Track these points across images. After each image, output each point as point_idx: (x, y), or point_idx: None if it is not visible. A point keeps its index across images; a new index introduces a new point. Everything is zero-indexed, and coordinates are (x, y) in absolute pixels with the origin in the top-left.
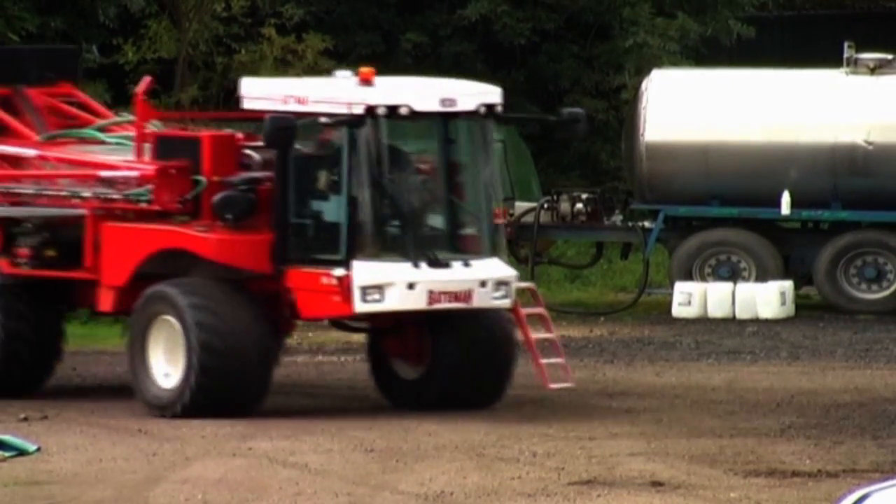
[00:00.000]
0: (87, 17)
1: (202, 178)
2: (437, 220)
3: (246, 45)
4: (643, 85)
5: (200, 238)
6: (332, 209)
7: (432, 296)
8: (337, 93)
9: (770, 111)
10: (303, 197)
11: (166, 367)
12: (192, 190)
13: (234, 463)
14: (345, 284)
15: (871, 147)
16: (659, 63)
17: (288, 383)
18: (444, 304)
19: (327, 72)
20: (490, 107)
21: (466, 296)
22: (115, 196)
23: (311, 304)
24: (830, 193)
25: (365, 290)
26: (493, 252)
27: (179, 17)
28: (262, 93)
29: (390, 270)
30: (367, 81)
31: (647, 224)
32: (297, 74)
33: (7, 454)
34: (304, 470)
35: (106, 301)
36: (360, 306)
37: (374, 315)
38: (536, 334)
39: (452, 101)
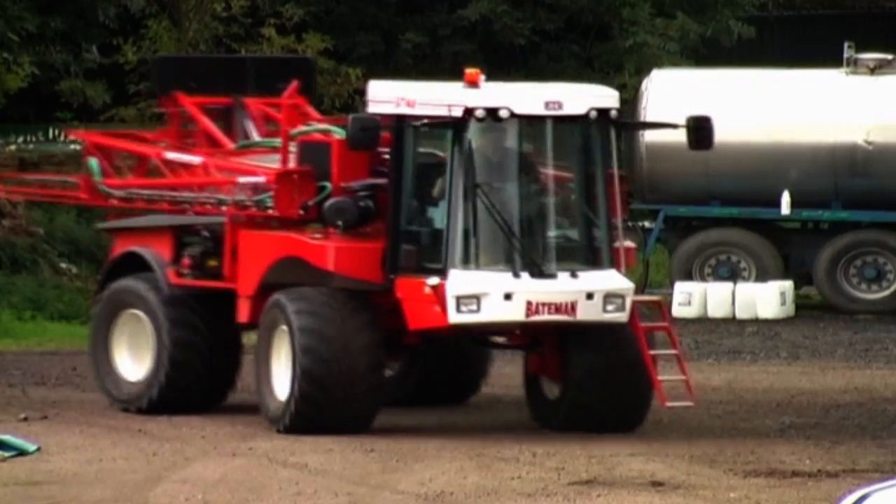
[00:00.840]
0: (87, 17)
1: (327, 184)
2: (544, 229)
3: (246, 45)
4: (643, 85)
5: (312, 245)
6: (438, 216)
7: (530, 307)
8: (441, 95)
9: (770, 111)
10: (415, 203)
11: (285, 378)
12: (317, 196)
13: (234, 463)
14: (440, 294)
15: (870, 147)
16: (659, 63)
17: None
18: (544, 317)
19: (327, 72)
20: (603, 111)
21: (569, 308)
22: (248, 203)
23: (416, 315)
24: (830, 193)
25: (460, 300)
26: (610, 263)
27: (179, 17)
28: (383, 96)
29: (487, 280)
30: (472, 83)
31: (647, 224)
32: None
33: (7, 454)
34: (304, 470)
35: (243, 312)
36: (455, 317)
37: (477, 327)
38: (658, 349)
39: (558, 104)
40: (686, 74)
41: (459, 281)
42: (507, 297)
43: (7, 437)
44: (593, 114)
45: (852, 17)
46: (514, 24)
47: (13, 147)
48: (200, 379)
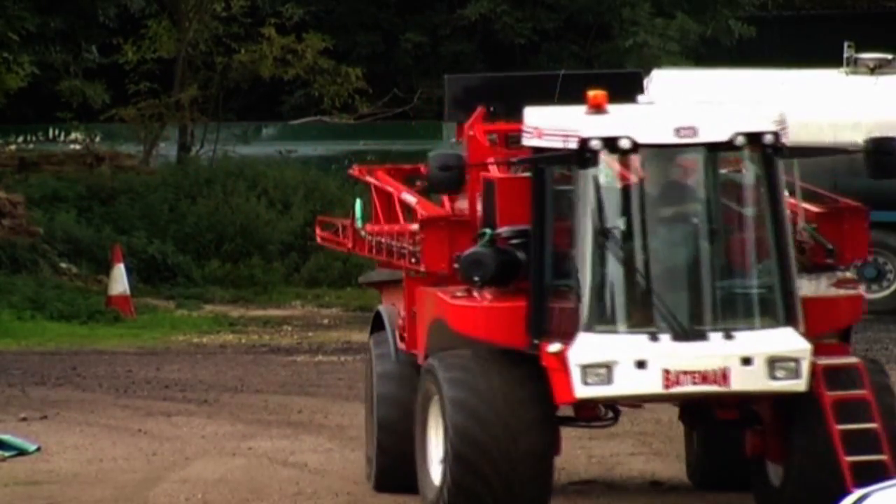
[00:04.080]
0: (87, 17)
1: (488, 231)
2: (691, 280)
3: (246, 44)
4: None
5: (451, 306)
6: (570, 269)
7: (669, 377)
8: (562, 123)
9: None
10: (554, 253)
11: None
12: (474, 246)
13: (234, 463)
14: (563, 362)
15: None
16: (659, 63)
17: (288, 383)
18: (688, 388)
19: (327, 72)
20: (753, 136)
21: (720, 377)
22: (415, 254)
23: (557, 387)
24: (830, 193)
25: (586, 370)
26: (786, 319)
27: (179, 16)
28: (527, 125)
29: (616, 344)
30: (597, 107)
31: None
32: (297, 74)
33: (7, 454)
34: (304, 470)
35: None
36: (581, 390)
37: (611, 401)
38: (850, 424)
39: (692, 131)
40: (686, 74)
41: (584, 346)
42: (640, 365)
43: (7, 437)
44: (740, 140)
45: (852, 17)
46: (514, 23)
47: (13, 147)
48: (410, 461)
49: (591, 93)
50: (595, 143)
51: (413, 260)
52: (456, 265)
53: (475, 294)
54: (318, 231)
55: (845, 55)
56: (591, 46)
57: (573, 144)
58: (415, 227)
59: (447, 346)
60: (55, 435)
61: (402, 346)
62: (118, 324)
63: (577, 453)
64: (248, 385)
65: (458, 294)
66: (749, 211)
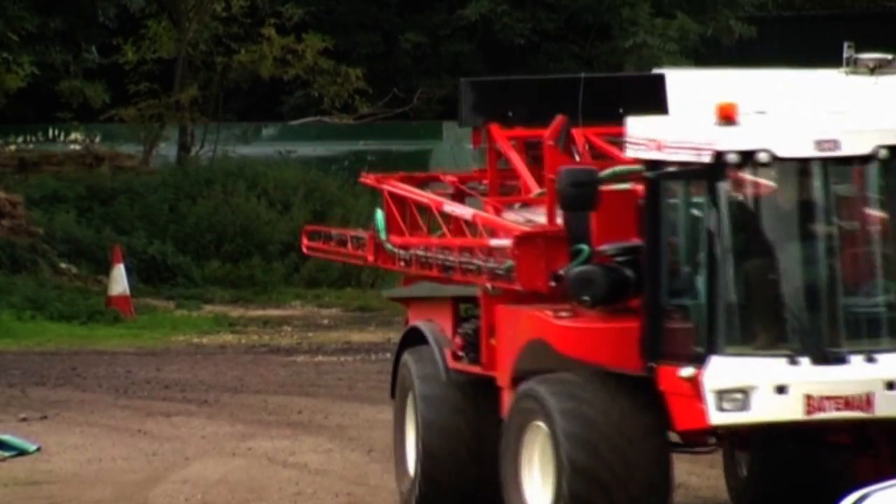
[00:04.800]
0: (86, 17)
1: (584, 248)
2: (830, 300)
3: (246, 45)
4: None
5: (555, 326)
6: (697, 287)
7: (811, 403)
8: (689, 135)
9: (770, 111)
10: (676, 271)
11: (542, 489)
12: (571, 263)
13: (234, 463)
14: (696, 387)
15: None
16: (659, 63)
17: (288, 383)
18: (831, 414)
19: (327, 72)
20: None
21: (863, 402)
22: (498, 271)
23: (679, 413)
24: None
25: (721, 396)
26: None
27: (179, 16)
28: (639, 135)
29: (755, 368)
30: (727, 119)
31: None
32: (297, 75)
33: (7, 454)
34: (304, 470)
35: (504, 405)
36: (716, 416)
37: (747, 429)
38: None
39: (833, 144)
40: (686, 74)
41: (719, 370)
42: (781, 390)
43: (7, 437)
44: (882, 153)
45: (852, 17)
46: (514, 24)
47: (13, 147)
48: (458, 487)
49: (721, 103)
50: (732, 157)
51: (494, 277)
52: (553, 282)
53: (580, 314)
54: (304, 241)
55: (845, 55)
56: (591, 46)
57: (707, 158)
58: (496, 241)
59: (545, 368)
60: (55, 435)
61: (456, 365)
62: (118, 324)
63: None
64: (248, 385)
65: (562, 314)
66: (886, 226)
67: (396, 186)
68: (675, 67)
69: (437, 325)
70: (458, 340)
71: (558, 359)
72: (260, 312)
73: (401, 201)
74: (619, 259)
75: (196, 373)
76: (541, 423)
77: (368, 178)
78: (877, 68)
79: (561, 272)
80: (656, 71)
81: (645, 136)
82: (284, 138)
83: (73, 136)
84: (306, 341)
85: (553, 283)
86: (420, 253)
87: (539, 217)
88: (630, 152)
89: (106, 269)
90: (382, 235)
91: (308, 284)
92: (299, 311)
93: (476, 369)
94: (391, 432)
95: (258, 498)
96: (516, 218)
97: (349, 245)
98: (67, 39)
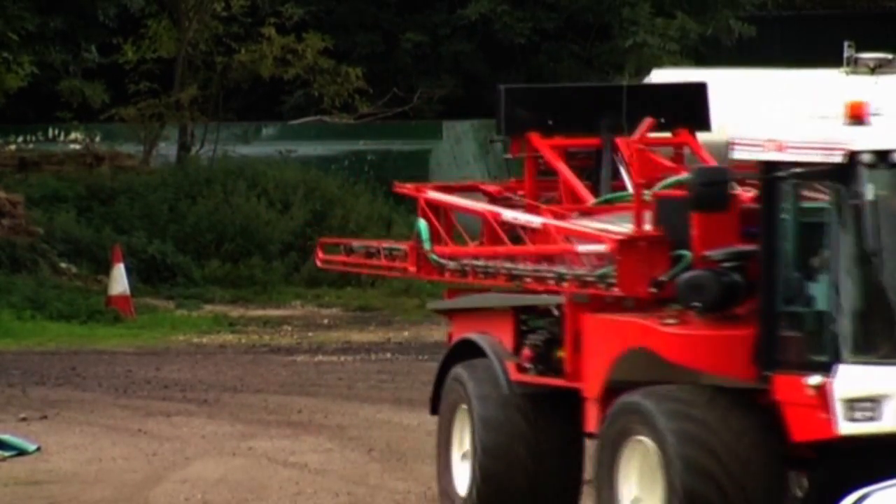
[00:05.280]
0: (86, 17)
1: (685, 253)
2: None
3: (246, 44)
4: None
5: (663, 334)
6: (822, 293)
7: None
8: (816, 135)
9: (769, 111)
10: (795, 276)
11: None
12: (672, 269)
13: (234, 463)
14: (823, 396)
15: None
16: (659, 63)
17: (288, 383)
18: None
19: (327, 72)
20: None
21: None
22: (588, 278)
23: (799, 423)
24: None
25: (852, 405)
26: None
27: (179, 16)
28: (751, 137)
29: (886, 377)
30: (857, 118)
31: None
32: (297, 74)
33: (7, 454)
34: (304, 470)
35: (590, 418)
36: (845, 426)
37: (879, 439)
38: None
39: None
40: (686, 74)
41: (850, 379)
42: None
43: (7, 437)
44: None
45: (852, 17)
46: (514, 23)
47: (13, 147)
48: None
49: (851, 101)
50: (866, 157)
51: (583, 284)
52: (654, 288)
53: (687, 321)
54: (319, 255)
55: (845, 55)
56: (591, 46)
57: (838, 158)
58: (586, 248)
59: (646, 377)
60: (55, 435)
61: (522, 377)
62: (118, 324)
63: None
64: (248, 385)
65: (669, 321)
66: None
67: (443, 197)
68: (675, 67)
69: (493, 338)
70: (526, 352)
71: (664, 368)
72: (260, 312)
73: (435, 209)
74: (727, 264)
75: (196, 373)
76: (643, 439)
77: (405, 188)
78: (877, 68)
79: (663, 278)
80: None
81: (762, 137)
82: (284, 138)
83: (73, 135)
84: (306, 341)
85: (654, 290)
86: (480, 263)
87: (609, 225)
88: (741, 154)
89: (106, 269)
90: (427, 245)
91: (308, 284)
92: (299, 311)
93: (547, 381)
94: (391, 432)
95: (258, 498)
96: (594, 225)
97: (381, 256)
98: (67, 39)
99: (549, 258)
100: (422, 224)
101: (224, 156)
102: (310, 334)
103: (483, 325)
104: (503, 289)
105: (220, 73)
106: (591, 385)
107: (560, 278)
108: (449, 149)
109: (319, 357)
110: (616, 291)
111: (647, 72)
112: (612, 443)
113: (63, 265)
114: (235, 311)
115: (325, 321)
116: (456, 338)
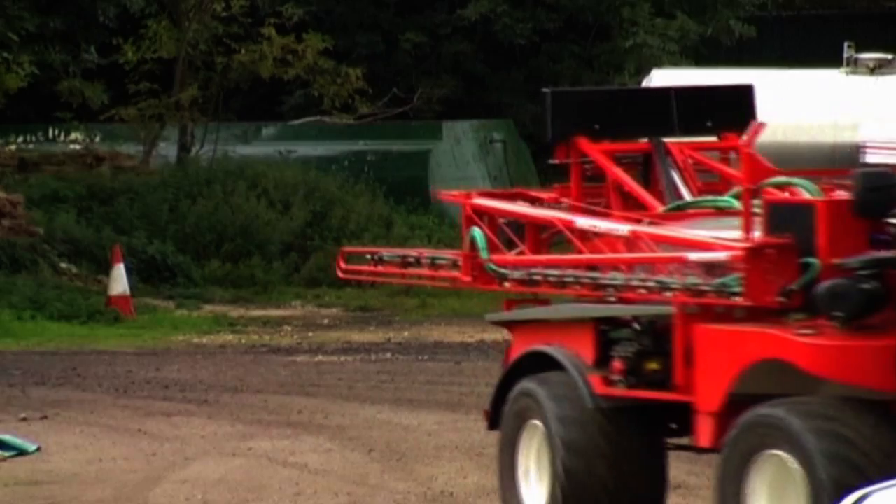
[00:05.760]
0: (86, 17)
1: (814, 261)
2: None
3: (246, 44)
4: (643, 85)
5: (801, 344)
6: None
7: None
8: None
9: (770, 111)
10: None
11: None
12: (801, 277)
13: (234, 463)
14: None
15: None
16: (659, 63)
17: (288, 383)
18: None
19: (327, 72)
20: None
21: None
22: (704, 287)
23: None
24: None
25: None
26: None
27: (179, 16)
28: (882, 139)
29: None
30: None
31: None
32: (297, 75)
33: (7, 454)
34: (304, 470)
35: (704, 432)
36: None
37: None
38: None
39: None
40: (686, 74)
41: None
42: None
43: (7, 437)
44: None
45: (852, 17)
46: (514, 24)
47: (13, 147)
48: None
49: None
50: None
51: (696, 294)
52: (782, 298)
53: (825, 331)
54: (341, 265)
55: (845, 55)
56: (591, 46)
57: None
58: (698, 256)
59: (779, 390)
60: (55, 435)
61: (609, 390)
62: (118, 324)
63: None
64: (248, 385)
65: (805, 331)
66: None
67: (495, 205)
68: (675, 67)
69: (569, 350)
70: (616, 364)
71: (801, 380)
72: (260, 312)
73: (484, 216)
74: (865, 272)
75: (196, 373)
76: (780, 453)
77: (451, 195)
78: (877, 68)
79: (793, 287)
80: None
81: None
82: (284, 138)
83: (73, 136)
84: (306, 341)
85: (782, 299)
86: (555, 272)
87: (713, 232)
88: (874, 157)
89: (106, 269)
90: (484, 255)
91: (308, 284)
92: (299, 311)
93: (640, 394)
94: (391, 432)
95: (258, 498)
96: (701, 233)
97: (424, 266)
98: (67, 39)
99: (649, 266)
100: (477, 232)
101: (224, 156)
102: (310, 334)
103: (553, 336)
104: (566, 299)
105: (220, 73)
106: (707, 398)
107: (664, 287)
108: (449, 149)
109: (319, 357)
110: (741, 301)
111: (647, 72)
112: (742, 457)
113: (63, 265)
114: (235, 312)
115: (325, 321)
116: (520, 350)
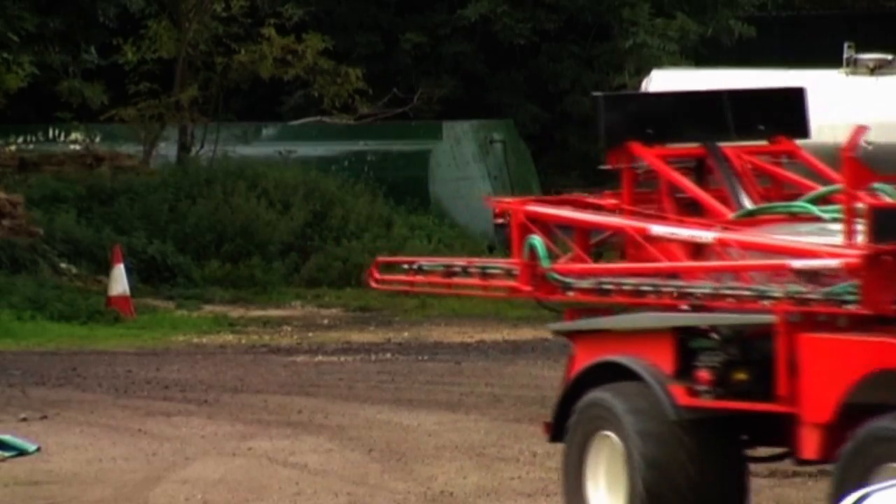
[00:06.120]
0: (86, 17)
1: None
2: None
3: (246, 45)
4: (643, 85)
5: None
6: None
7: None
8: None
9: None
10: None
11: None
12: None
13: (234, 463)
14: None
15: (870, 147)
16: (659, 63)
17: (288, 383)
18: None
19: (327, 72)
20: None
21: None
22: (812, 296)
23: None
24: None
25: None
26: None
27: (179, 17)
28: None
29: None
30: None
31: None
32: (297, 75)
33: (7, 454)
34: (304, 470)
35: (809, 444)
36: None
37: None
38: None
39: None
40: (686, 74)
41: None
42: None
43: (7, 437)
44: None
45: (852, 17)
46: (514, 24)
47: (13, 147)
48: None
49: None
50: None
51: (802, 303)
52: None
53: None
54: (374, 275)
55: (845, 55)
56: (591, 47)
57: None
58: (803, 263)
59: (892, 401)
60: (55, 435)
61: (694, 401)
62: (118, 324)
63: None
64: (248, 385)
65: None
66: None
67: (550, 211)
68: (675, 67)
69: (644, 360)
70: (704, 375)
71: None
72: (260, 312)
73: (543, 225)
74: None
75: (196, 373)
76: None
77: (501, 202)
78: (877, 68)
79: None
80: (656, 71)
81: None
82: (284, 138)
83: (73, 136)
84: (306, 341)
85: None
86: (631, 281)
87: (780, 234)
88: None
89: (106, 269)
90: (545, 263)
91: (308, 284)
92: (299, 311)
93: (730, 405)
94: (391, 432)
95: (258, 498)
96: (800, 240)
97: (472, 275)
98: (67, 40)
99: (740, 274)
100: (537, 240)
101: (224, 156)
102: (310, 334)
103: (624, 346)
104: (622, 308)
105: (220, 73)
106: (816, 409)
107: (762, 296)
108: (449, 149)
109: (319, 357)
110: (857, 310)
111: (647, 72)
112: (863, 470)
113: (63, 265)
114: (235, 312)
115: (325, 321)
116: (585, 361)
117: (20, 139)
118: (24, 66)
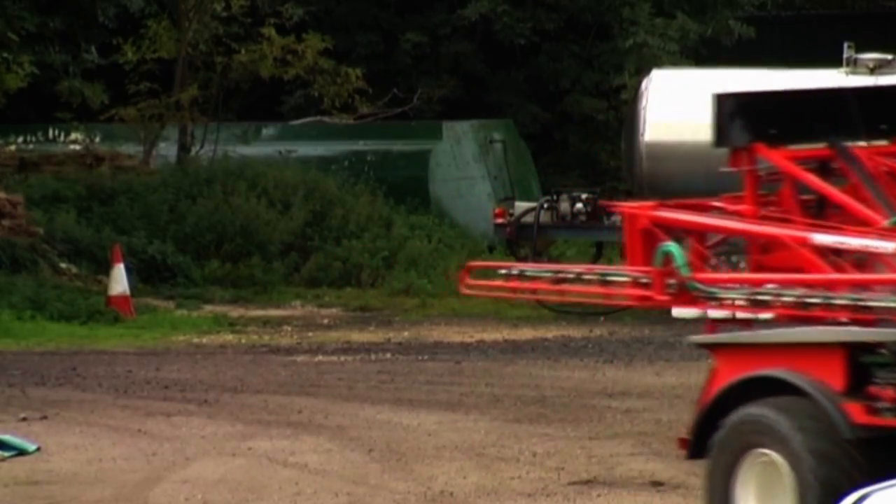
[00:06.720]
0: (86, 17)
1: None
2: None
3: (246, 44)
4: (643, 85)
5: None
6: None
7: None
8: None
9: None
10: None
11: None
12: None
13: (234, 463)
14: None
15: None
16: (659, 63)
17: (288, 383)
18: None
19: (327, 72)
20: None
21: None
22: None
23: None
24: None
25: None
26: None
27: (179, 16)
28: None
29: None
30: None
31: None
32: (297, 75)
33: (7, 454)
34: (304, 470)
35: None
36: None
37: None
38: None
39: None
40: (686, 74)
41: None
42: None
43: (7, 437)
44: None
45: (852, 17)
46: (514, 23)
47: (13, 147)
48: None
49: None
50: None
51: None
52: None
53: None
54: (466, 280)
55: (845, 55)
56: (591, 46)
57: None
58: None
59: None
60: (55, 435)
61: (872, 420)
62: (118, 324)
63: (577, 453)
64: (248, 385)
65: None
66: None
67: (681, 217)
68: (675, 67)
69: (810, 376)
70: (887, 392)
71: None
72: (260, 312)
73: (673, 232)
74: None
75: (196, 373)
76: None
77: (621, 207)
78: (877, 68)
79: None
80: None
81: None
82: (284, 138)
83: (73, 136)
84: (306, 341)
85: None
86: (793, 293)
87: None
88: None
89: (106, 269)
90: (685, 272)
91: (308, 284)
92: (299, 311)
93: None
94: (391, 432)
95: (258, 498)
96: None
97: (590, 283)
98: (67, 40)
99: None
100: (674, 248)
101: (224, 156)
102: (310, 334)
103: (781, 361)
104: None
105: (220, 73)
106: None
107: None
108: (449, 149)
109: (319, 357)
110: None
111: (647, 72)
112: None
113: (63, 265)
114: (235, 312)
115: (325, 321)
116: (731, 375)
117: (20, 139)
118: (24, 66)
